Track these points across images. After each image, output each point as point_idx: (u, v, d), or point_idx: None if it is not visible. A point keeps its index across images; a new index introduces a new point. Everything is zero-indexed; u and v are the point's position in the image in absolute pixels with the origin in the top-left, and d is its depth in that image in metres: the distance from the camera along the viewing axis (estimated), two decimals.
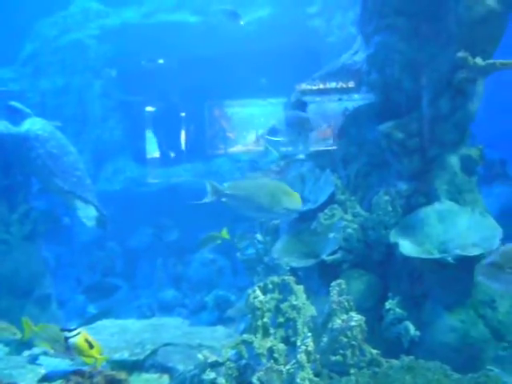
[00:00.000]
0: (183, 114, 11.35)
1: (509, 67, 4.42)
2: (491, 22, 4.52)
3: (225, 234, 6.10)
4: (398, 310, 4.51)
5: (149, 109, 11.19)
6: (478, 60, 4.45)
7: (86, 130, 10.93)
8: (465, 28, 4.55)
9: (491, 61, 4.46)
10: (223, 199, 3.79)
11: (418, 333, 4.40)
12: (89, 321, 5.96)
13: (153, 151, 11.12)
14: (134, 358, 4.27)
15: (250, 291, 3.72)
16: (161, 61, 9.98)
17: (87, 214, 7.13)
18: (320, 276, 4.93)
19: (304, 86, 5.19)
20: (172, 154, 11.23)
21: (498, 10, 4.46)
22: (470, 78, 4.64)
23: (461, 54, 4.50)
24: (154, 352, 4.40)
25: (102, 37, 11.08)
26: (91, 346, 3.63)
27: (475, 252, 4.34)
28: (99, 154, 10.80)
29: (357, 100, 5.09)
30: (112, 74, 10.23)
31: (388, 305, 4.55)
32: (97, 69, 11.02)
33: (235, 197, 3.66)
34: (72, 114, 10.88)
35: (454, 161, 4.86)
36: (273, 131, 5.76)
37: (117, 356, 4.26)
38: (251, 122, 10.79)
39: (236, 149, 10.56)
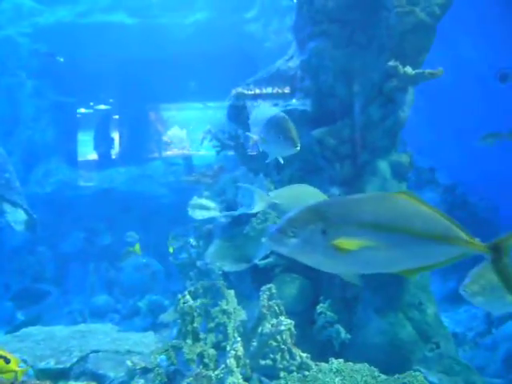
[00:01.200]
0: (118, 117, 11.16)
1: (437, 76, 4.56)
2: (421, 33, 4.65)
3: (137, 248, 6.16)
4: (329, 313, 4.55)
5: (82, 110, 10.96)
6: (408, 69, 4.57)
7: (17, 131, 10.56)
8: (396, 38, 4.66)
9: (420, 70, 4.59)
10: (270, 208, 3.74)
11: (348, 336, 4.46)
12: (16, 328, 5.74)
13: (86, 153, 10.87)
14: (61, 366, 4.13)
15: (179, 296, 3.66)
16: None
17: (16, 217, 6.89)
18: (253, 280, 4.92)
19: (238, 91, 5.18)
20: (106, 157, 11.00)
21: (428, 21, 4.60)
22: (400, 87, 4.76)
23: (391, 63, 4.61)
24: (81, 359, 4.27)
25: (35, 35, 10.74)
26: (7, 361, 3.44)
27: None
28: (30, 156, 10.45)
29: (291, 106, 5.11)
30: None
31: (319, 308, 4.58)
32: (29, 68, 10.68)
33: (282, 205, 3.61)
34: (2, 114, 10.49)
35: (384, 167, 4.95)
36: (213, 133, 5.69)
37: (42, 364, 4.11)
38: (187, 126, 10.75)
39: (171, 152, 10.47)
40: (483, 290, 3.43)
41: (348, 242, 2.10)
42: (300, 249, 2.15)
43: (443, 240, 2.18)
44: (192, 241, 5.77)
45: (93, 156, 10.99)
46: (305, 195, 3.72)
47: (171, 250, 6.28)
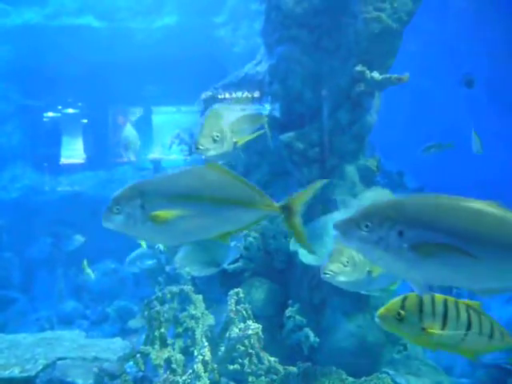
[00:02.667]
0: (86, 121, 11.03)
1: (404, 81, 4.62)
2: (387, 39, 4.71)
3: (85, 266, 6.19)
4: (298, 317, 4.56)
5: (50, 114, 10.81)
6: (375, 74, 4.62)
7: None
8: (363, 43, 4.71)
9: (387, 75, 4.64)
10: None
11: (317, 339, 4.47)
12: None
13: (53, 158, 10.71)
14: (25, 375, 4.04)
15: (146, 302, 3.64)
16: None
17: None
18: (222, 285, 4.91)
19: (207, 95, 5.18)
20: (73, 161, 10.86)
21: (394, 27, 4.66)
22: (367, 92, 4.81)
23: (359, 68, 4.66)
24: (47, 367, 4.19)
25: (2, 37, 10.56)
26: None
27: None
28: None
29: (259, 110, 5.12)
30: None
31: (288, 312, 4.59)
32: None
33: None
34: None
35: (352, 171, 5.00)
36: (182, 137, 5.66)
37: (6, 373, 4.01)
38: (157, 130, 10.66)
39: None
40: (345, 267, 3.21)
41: (162, 214, 2.25)
42: (124, 224, 2.31)
43: (247, 205, 2.37)
44: (161, 247, 5.72)
45: (60, 160, 10.83)
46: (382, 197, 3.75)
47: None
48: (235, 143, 3.59)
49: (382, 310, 2.41)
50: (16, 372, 4.09)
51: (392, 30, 4.67)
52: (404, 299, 2.39)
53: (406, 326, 2.35)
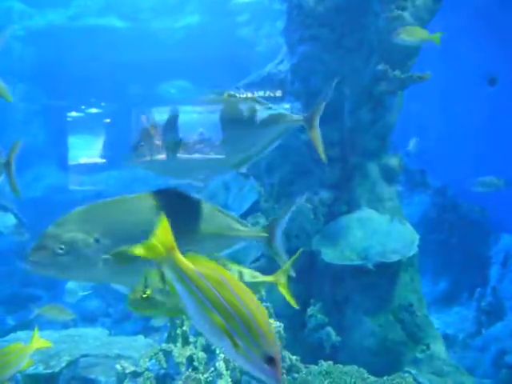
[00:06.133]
0: (109, 120, 11.12)
1: (426, 80, 4.60)
2: None
3: None
4: (319, 315, 4.56)
5: (74, 114, 10.91)
6: (397, 73, 4.61)
7: (7, 135, 10.51)
8: (385, 42, 4.69)
9: (409, 74, 4.63)
10: None
11: (339, 338, 4.47)
12: (6, 333, 5.70)
13: (77, 157, 10.82)
14: (50, 371, 4.10)
15: None
16: None
17: (5, 221, 6.85)
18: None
19: (229, 94, 5.19)
20: (96, 161, 10.96)
21: (416, 25, 4.63)
22: (389, 90, 4.79)
23: (381, 67, 4.64)
24: (70, 364, 4.25)
25: (26, 38, 10.71)
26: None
27: (394, 258, 4.48)
28: (20, 160, 10.39)
29: (281, 109, 5.13)
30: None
31: (310, 311, 4.60)
32: (20, 71, 10.63)
33: None
34: None
35: (374, 169, 4.99)
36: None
37: (31, 369, 4.07)
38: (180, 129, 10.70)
39: (163, 156, 10.40)
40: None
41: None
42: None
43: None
44: None
45: (84, 160, 10.93)
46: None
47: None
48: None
49: (129, 296, 2.27)
50: (40, 368, 4.16)
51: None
52: (146, 277, 2.27)
53: (156, 302, 2.25)
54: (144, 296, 2.18)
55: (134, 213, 2.12)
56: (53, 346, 4.41)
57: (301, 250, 2.55)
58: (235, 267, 2.41)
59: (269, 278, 2.47)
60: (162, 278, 2.18)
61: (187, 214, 2.21)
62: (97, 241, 1.97)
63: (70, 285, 7.16)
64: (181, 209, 2.16)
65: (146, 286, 2.19)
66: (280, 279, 2.48)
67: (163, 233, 1.58)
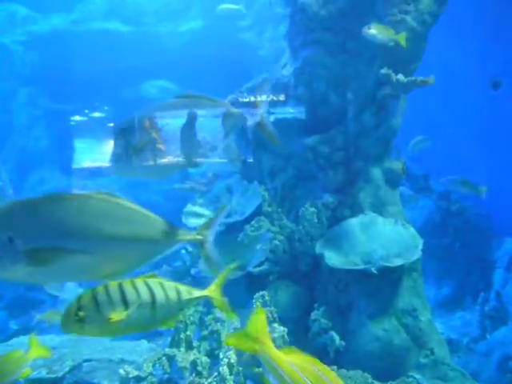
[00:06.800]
0: (113, 124, 11.14)
1: (430, 84, 4.59)
2: (412, 41, 4.68)
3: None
4: (323, 320, 4.55)
5: (77, 118, 10.94)
6: (400, 77, 4.60)
7: (11, 139, 10.54)
8: (388, 46, 4.69)
9: (412, 78, 4.62)
10: None
11: (343, 342, 4.45)
12: (9, 338, 5.70)
13: (81, 161, 10.83)
14: (53, 376, 4.10)
15: None
16: None
17: None
18: (247, 288, 4.92)
19: (231, 98, 5.20)
20: (100, 165, 10.95)
21: (419, 29, 4.64)
22: (393, 94, 4.79)
23: (384, 71, 4.64)
24: (73, 368, 4.25)
25: (30, 43, 10.74)
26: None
27: (398, 262, 4.46)
28: (24, 164, 10.42)
29: (284, 113, 5.14)
30: None
31: (314, 315, 4.58)
32: (23, 75, 10.67)
33: None
34: None
35: (377, 174, 4.98)
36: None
37: (34, 374, 4.07)
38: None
39: (166, 160, 10.40)
40: None
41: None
42: None
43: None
44: (189, 248, 5.75)
45: (87, 164, 10.94)
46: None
47: None
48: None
49: (62, 319, 2.24)
50: (43, 373, 4.15)
51: (417, 33, 4.65)
52: (79, 299, 2.23)
53: (91, 323, 2.22)
54: (77, 318, 2.19)
55: (50, 213, 2.07)
56: (55, 350, 4.43)
57: (235, 264, 2.60)
58: (171, 284, 2.41)
59: (204, 293, 2.49)
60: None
61: (109, 217, 2.14)
62: (10, 240, 1.93)
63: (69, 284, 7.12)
64: (102, 212, 2.13)
65: (78, 308, 2.20)
66: (215, 294, 2.51)
67: (257, 324, 1.61)
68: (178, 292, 2.39)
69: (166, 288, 2.37)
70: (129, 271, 2.27)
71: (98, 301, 2.23)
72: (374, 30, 4.43)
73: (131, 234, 2.19)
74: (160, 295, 2.35)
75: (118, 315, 2.23)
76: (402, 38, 4.45)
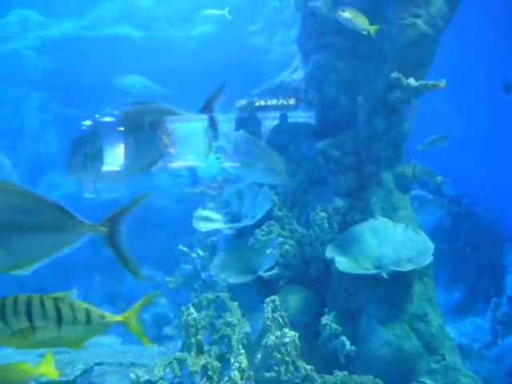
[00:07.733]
0: (122, 129, 11.18)
1: (441, 88, 4.57)
2: (423, 45, 4.67)
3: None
4: (334, 325, 4.53)
5: (87, 123, 11.00)
6: (411, 81, 4.59)
7: (22, 143, 10.61)
8: (398, 50, 4.68)
9: (423, 82, 4.61)
10: None
11: (353, 347, 4.43)
12: None
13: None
14: (64, 379, 4.11)
15: (183, 309, 3.67)
16: None
17: None
18: (257, 292, 4.91)
19: (242, 103, 5.21)
20: (111, 169, 10.99)
21: (430, 33, 4.62)
22: (403, 98, 4.78)
23: (394, 75, 4.63)
24: (84, 372, 4.26)
25: (41, 48, 10.81)
26: None
27: (409, 267, 4.44)
28: (35, 168, 10.48)
29: (295, 118, 5.14)
30: None
31: (324, 320, 4.57)
32: (34, 80, 10.74)
33: None
34: (7, 126, 10.53)
35: (388, 178, 4.96)
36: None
37: (46, 377, 4.08)
38: (192, 138, 10.73)
39: (176, 164, 10.42)
40: None
41: None
42: None
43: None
44: (200, 252, 5.75)
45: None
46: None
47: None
48: None
49: None
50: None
51: (428, 37, 4.64)
52: None
53: None
54: None
55: None
56: (67, 354, 4.44)
57: (153, 293, 2.47)
58: (82, 306, 2.38)
59: (118, 318, 2.41)
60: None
61: (5, 206, 2.08)
62: None
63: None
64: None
65: None
66: (130, 320, 2.42)
67: None
68: (88, 314, 2.36)
69: (75, 309, 2.34)
70: (32, 264, 2.18)
71: (5, 312, 2.23)
72: (347, 14, 4.39)
73: (29, 223, 2.11)
74: (67, 316, 2.32)
75: (24, 333, 2.23)
76: (373, 29, 4.43)
